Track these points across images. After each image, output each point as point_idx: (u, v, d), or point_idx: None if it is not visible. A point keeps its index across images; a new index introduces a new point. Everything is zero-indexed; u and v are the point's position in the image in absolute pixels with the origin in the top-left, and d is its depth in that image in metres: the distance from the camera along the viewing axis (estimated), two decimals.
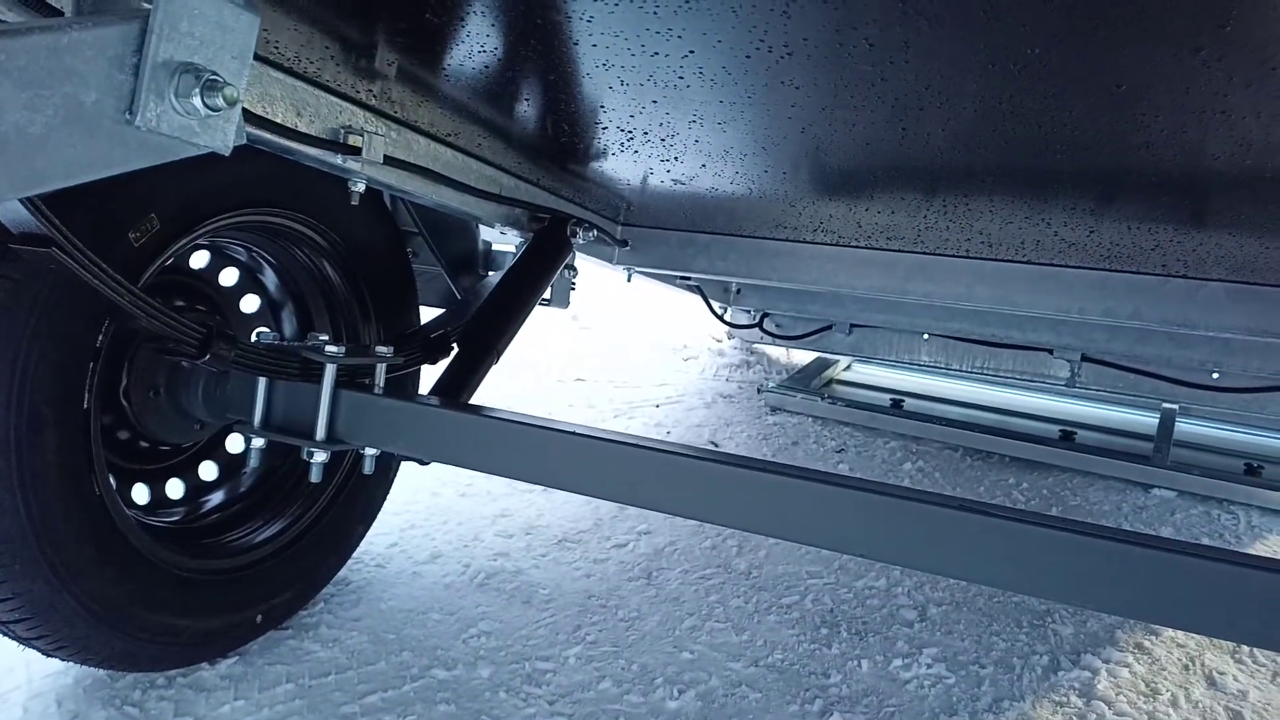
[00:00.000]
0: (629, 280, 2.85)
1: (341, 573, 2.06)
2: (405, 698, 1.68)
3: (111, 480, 1.51)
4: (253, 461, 1.64)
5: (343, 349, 1.55)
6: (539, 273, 2.06)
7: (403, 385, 1.90)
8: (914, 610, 2.19)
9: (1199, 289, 2.11)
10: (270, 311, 1.92)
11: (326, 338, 1.61)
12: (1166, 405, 3.48)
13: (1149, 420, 3.56)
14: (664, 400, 4.01)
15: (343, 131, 1.45)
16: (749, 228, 2.51)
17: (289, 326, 1.92)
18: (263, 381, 1.58)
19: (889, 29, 1.05)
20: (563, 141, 1.83)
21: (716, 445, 3.48)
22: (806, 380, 4.06)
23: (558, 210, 2.15)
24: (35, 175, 0.79)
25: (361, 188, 1.55)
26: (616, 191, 2.33)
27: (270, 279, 1.90)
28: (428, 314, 2.08)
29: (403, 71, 1.52)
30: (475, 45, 1.31)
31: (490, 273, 2.29)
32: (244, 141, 1.01)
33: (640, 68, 1.25)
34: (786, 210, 2.26)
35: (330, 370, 1.53)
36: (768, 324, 4.17)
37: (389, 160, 1.55)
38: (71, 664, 1.58)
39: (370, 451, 1.62)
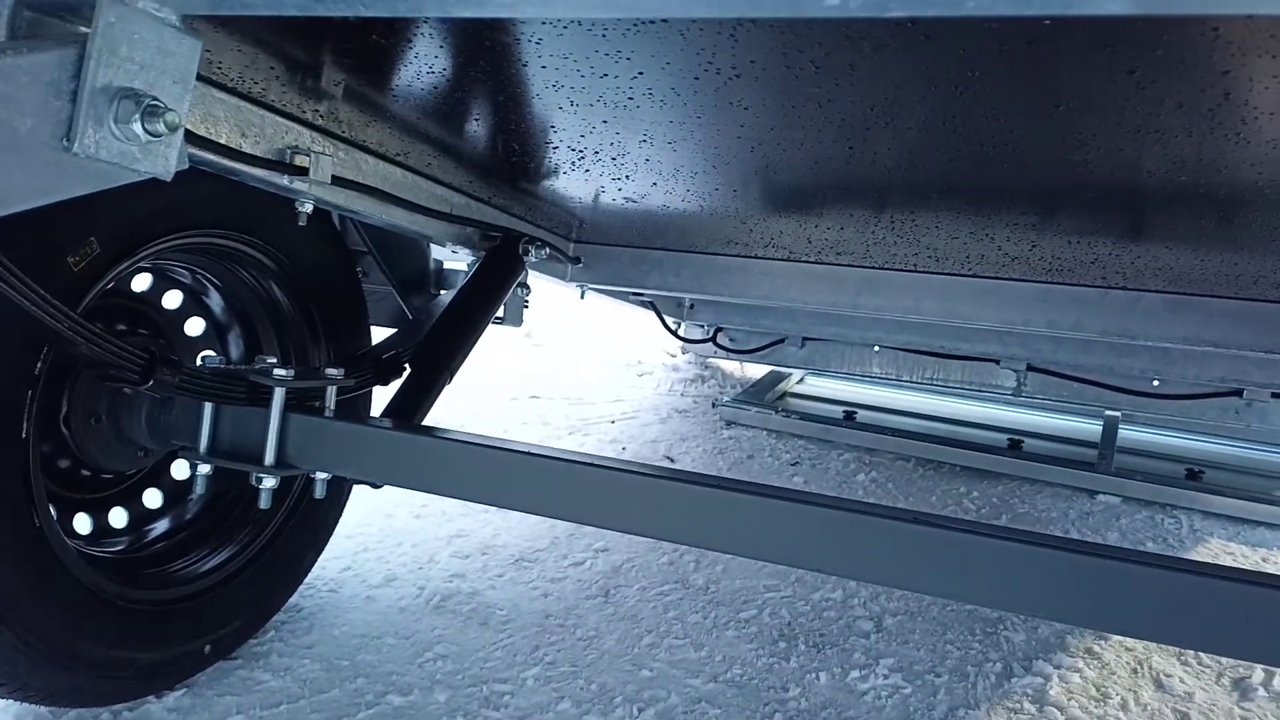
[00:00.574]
0: (582, 297, 2.85)
1: (293, 599, 2.02)
2: None
3: (52, 510, 1.47)
4: (199, 488, 1.60)
5: (291, 371, 1.52)
6: (491, 291, 2.05)
7: (355, 407, 1.88)
8: (870, 621, 2.21)
9: (1138, 300, 2.17)
10: (216, 334, 1.88)
11: (274, 360, 1.58)
12: (1110, 413, 3.57)
13: (1093, 428, 3.65)
14: (619, 416, 4.00)
15: (289, 152, 1.43)
16: (701, 244, 2.53)
17: (236, 349, 1.89)
18: (208, 406, 1.54)
19: (833, 53, 1.07)
20: (514, 160, 1.83)
21: (673, 460, 3.49)
22: (760, 394, 4.09)
23: (509, 228, 2.14)
24: None
25: (309, 208, 1.53)
26: (569, 209, 2.33)
27: (216, 301, 1.86)
28: (380, 334, 2.06)
29: (350, 91, 1.50)
30: (424, 66, 1.31)
31: (442, 292, 2.27)
32: (186, 165, 0.99)
33: (590, 88, 1.26)
34: (738, 226, 2.28)
35: (279, 393, 1.51)
36: (721, 338, 4.19)
37: (337, 180, 1.53)
38: (11, 701, 1.53)
39: (321, 476, 1.59)
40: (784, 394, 4.19)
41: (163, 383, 1.41)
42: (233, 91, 1.33)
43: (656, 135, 1.44)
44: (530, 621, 2.11)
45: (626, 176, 1.76)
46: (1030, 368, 3.50)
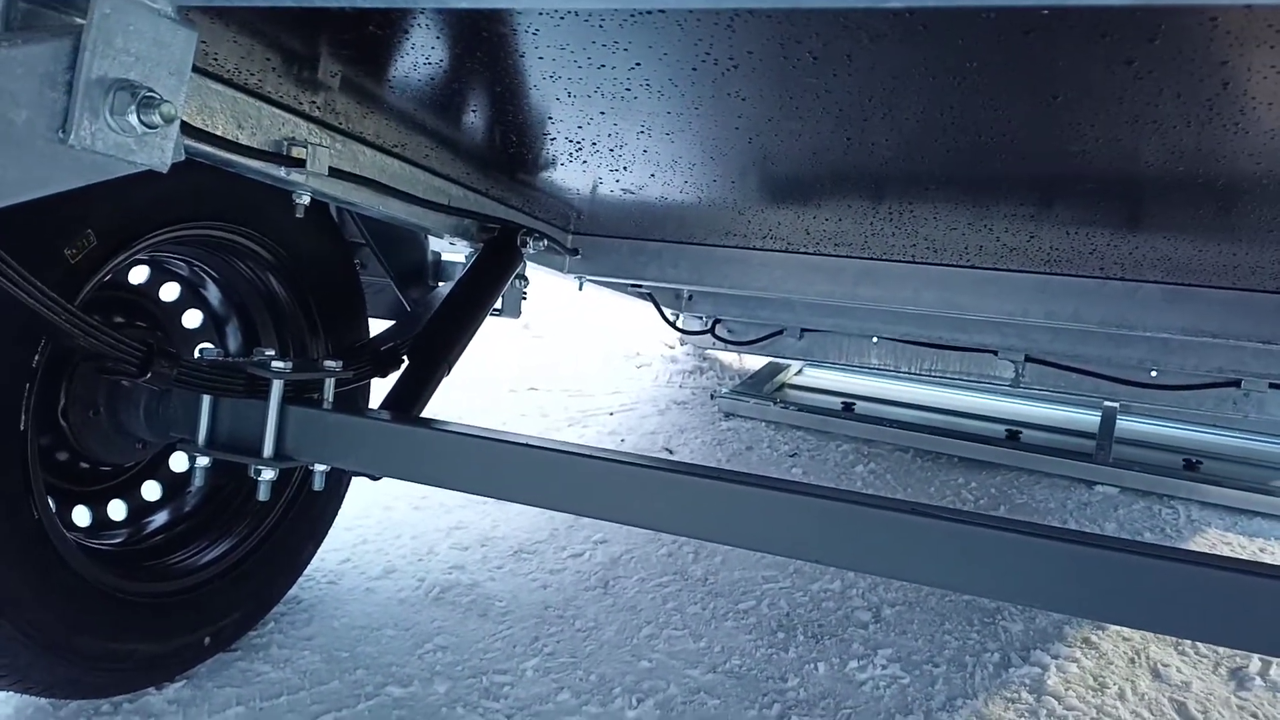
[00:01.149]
0: (580, 289, 2.85)
1: (292, 591, 2.03)
2: (359, 716, 1.65)
3: (50, 503, 1.47)
4: (197, 480, 1.60)
5: (289, 364, 1.52)
6: (489, 283, 2.05)
7: (353, 399, 1.88)
8: (869, 612, 2.22)
9: (1136, 290, 2.17)
10: (214, 327, 1.88)
11: (272, 352, 1.58)
12: (1108, 404, 3.58)
13: (1091, 419, 3.65)
14: (618, 408, 4.00)
15: (286, 143, 1.42)
16: (699, 235, 2.53)
17: (234, 342, 1.89)
18: (206, 399, 1.54)
19: (831, 43, 1.07)
20: (511, 152, 1.83)
21: (671, 452, 3.49)
22: (759, 385, 4.09)
23: (507, 220, 2.14)
24: None
25: (306, 200, 1.53)
26: (567, 200, 2.33)
27: (213, 294, 1.86)
28: (378, 326, 2.06)
29: (347, 83, 1.50)
30: (420, 57, 1.30)
31: (440, 284, 2.27)
32: (182, 157, 0.99)
33: (587, 79, 1.25)
34: (736, 218, 2.28)
35: (277, 386, 1.51)
36: (720, 330, 4.19)
37: (334, 172, 1.53)
38: (12, 693, 1.53)
39: (320, 468, 1.59)
40: (782, 385, 4.19)
41: (160, 375, 1.41)
42: (229, 83, 1.33)
43: (654, 126, 1.44)
44: (529, 613, 2.11)
45: (624, 168, 1.76)
46: (1028, 359, 3.50)
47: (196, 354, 1.75)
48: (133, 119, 0.87)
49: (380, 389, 1.82)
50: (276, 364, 1.51)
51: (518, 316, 2.37)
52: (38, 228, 1.31)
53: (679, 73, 1.17)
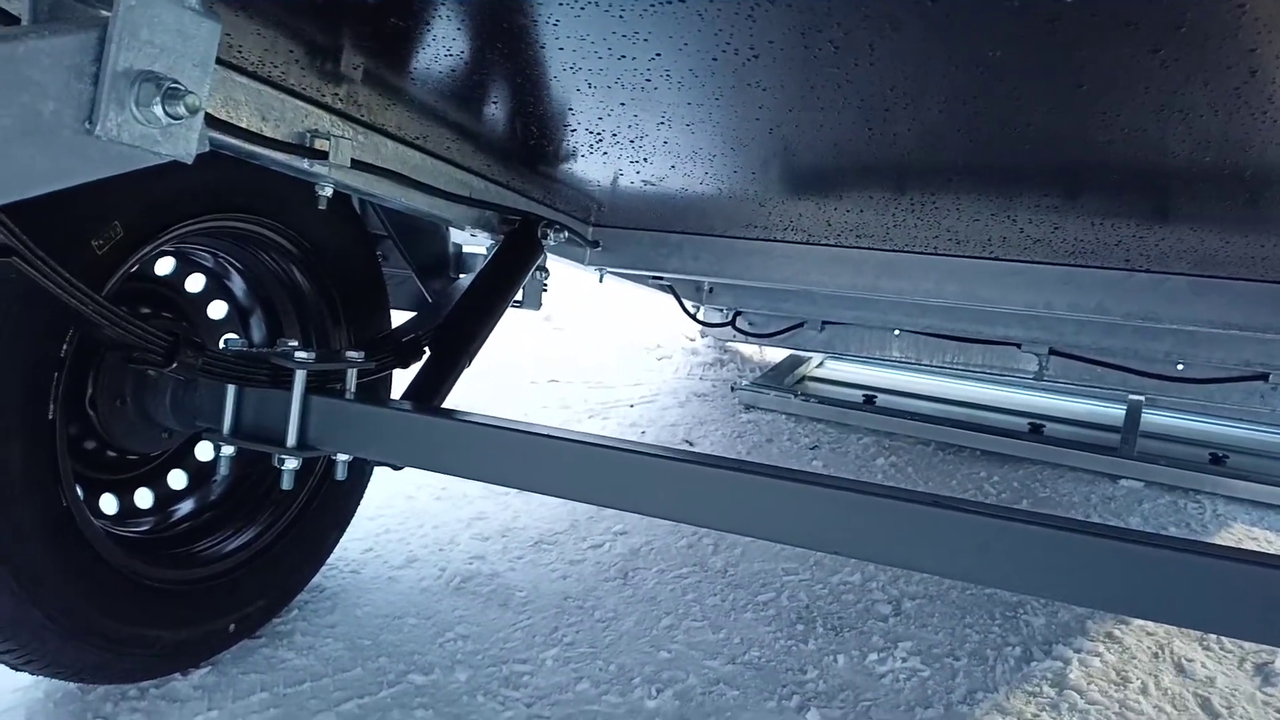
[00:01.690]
0: (601, 281, 2.85)
1: (316, 579, 2.05)
2: (382, 704, 1.67)
3: (79, 491, 1.49)
4: (222, 469, 1.62)
5: (313, 354, 1.54)
6: (510, 275, 2.06)
7: (375, 390, 1.89)
8: (889, 605, 2.21)
9: (1162, 283, 2.14)
10: (238, 318, 1.90)
11: (296, 343, 1.60)
12: (1133, 397, 3.54)
13: (1116, 412, 3.61)
14: (638, 400, 4.01)
15: (309, 135, 1.44)
16: (720, 227, 2.52)
17: (258, 332, 1.91)
18: (231, 389, 1.56)
19: (852, 32, 1.06)
20: (532, 144, 1.83)
21: (691, 444, 3.49)
22: (779, 378, 4.08)
23: (528, 212, 2.15)
24: None
25: (329, 192, 1.54)
26: (587, 192, 2.33)
27: (238, 285, 1.88)
28: (400, 318, 2.07)
29: (369, 75, 1.51)
30: (441, 49, 1.31)
31: (461, 275, 2.28)
32: (207, 149, 1.00)
33: (608, 70, 1.25)
34: (757, 209, 2.27)
35: (300, 376, 1.52)
36: (740, 322, 4.19)
37: (356, 164, 1.54)
38: (41, 678, 1.56)
39: (342, 457, 1.60)
40: (803, 378, 4.17)
41: (186, 365, 1.43)
42: (253, 75, 1.34)
43: (675, 117, 1.44)
44: (550, 603, 2.12)
45: (645, 159, 1.76)
46: (1052, 352, 3.48)
47: (221, 344, 1.77)
48: (158, 110, 0.88)
49: (402, 380, 1.84)
50: (300, 354, 1.52)
51: (538, 308, 2.38)
52: (66, 220, 1.32)
53: (699, 63, 1.17)
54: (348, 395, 1.59)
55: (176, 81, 0.89)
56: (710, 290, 3.93)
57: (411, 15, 1.21)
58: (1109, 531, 1.20)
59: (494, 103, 1.59)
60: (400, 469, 1.64)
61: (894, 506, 1.26)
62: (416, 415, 1.50)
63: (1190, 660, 2.00)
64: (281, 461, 1.53)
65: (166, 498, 1.82)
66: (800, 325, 3.98)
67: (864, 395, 3.87)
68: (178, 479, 1.84)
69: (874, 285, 2.46)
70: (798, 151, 1.66)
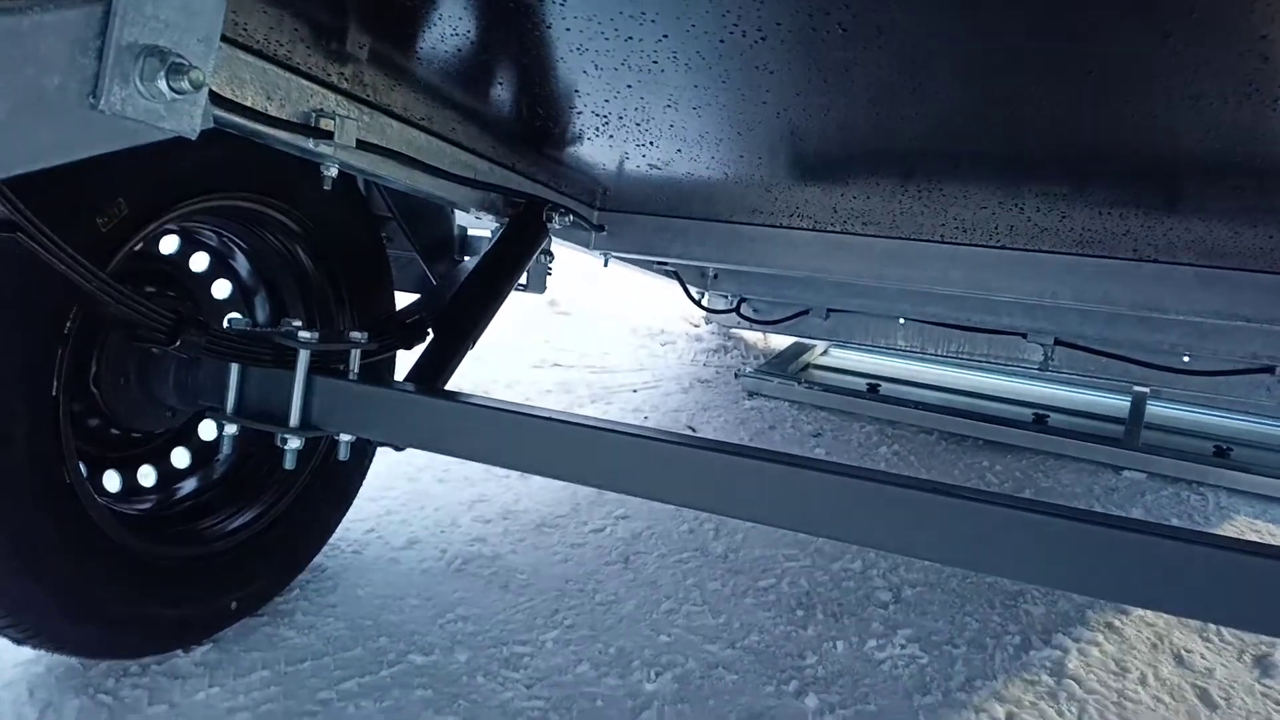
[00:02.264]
0: (605, 265, 2.85)
1: (318, 559, 2.06)
2: (382, 683, 1.68)
3: (82, 468, 1.49)
4: (225, 448, 1.63)
5: (316, 334, 1.54)
6: (514, 258, 2.06)
7: (378, 371, 1.89)
8: (889, 592, 2.22)
9: (1170, 273, 2.13)
10: (242, 297, 1.90)
11: (300, 323, 1.60)
12: (1138, 388, 3.53)
13: (1121, 403, 3.61)
14: (641, 385, 4.01)
15: (314, 115, 1.43)
16: (726, 213, 2.51)
17: (262, 312, 1.91)
18: (235, 368, 1.56)
19: (862, 15, 1.05)
20: (538, 126, 1.83)
21: (694, 430, 3.49)
22: (783, 365, 4.08)
23: (533, 195, 2.14)
24: None
25: (334, 172, 1.53)
26: (593, 176, 2.32)
27: (242, 264, 1.88)
28: (404, 299, 2.07)
29: (375, 54, 1.50)
30: (448, 28, 1.30)
31: (466, 258, 2.28)
32: (211, 125, 1.00)
33: (615, 52, 1.25)
34: (763, 195, 2.26)
35: (304, 356, 1.52)
36: (745, 309, 4.18)
37: (362, 144, 1.53)
38: (43, 653, 1.57)
39: (345, 437, 1.61)
40: (807, 365, 4.17)
41: (190, 344, 1.43)
42: (258, 54, 1.33)
43: (681, 100, 1.43)
44: (550, 585, 2.13)
45: (651, 143, 1.75)
46: (1058, 342, 3.47)
47: (225, 324, 1.77)
48: (162, 85, 0.87)
49: (407, 361, 1.84)
50: (303, 334, 1.52)
51: (542, 292, 2.38)
52: (70, 195, 1.32)
53: (707, 45, 1.16)
54: (351, 376, 1.59)
55: (181, 56, 0.89)
56: (715, 276, 3.92)
57: None
58: (1109, 520, 1.20)
59: (500, 84, 1.58)
60: (402, 450, 1.64)
61: (894, 493, 1.26)
62: (419, 397, 1.50)
63: (1189, 651, 2.00)
64: (284, 441, 1.53)
65: (169, 475, 1.83)
66: (805, 313, 3.97)
67: (868, 384, 3.87)
68: (181, 457, 1.85)
69: (879, 273, 2.45)
70: (804, 136, 1.65)
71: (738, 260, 2.64)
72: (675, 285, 3.77)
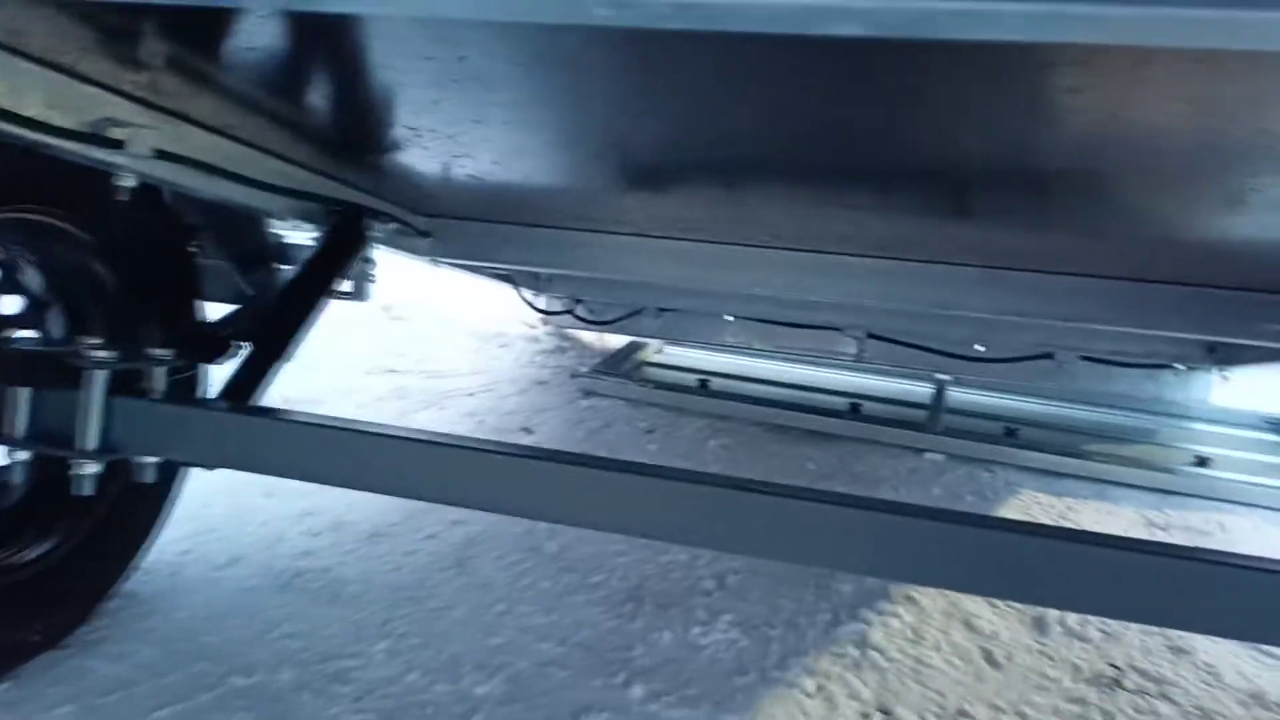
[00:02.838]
0: (435, 271, 2.83)
1: (131, 585, 1.97)
2: (201, 708, 1.63)
3: None
4: (18, 475, 1.54)
5: (112, 352, 1.48)
6: (333, 267, 2.03)
7: (188, 388, 1.83)
8: (713, 580, 2.32)
9: (957, 274, 2.33)
10: (35, 313, 1.79)
11: (97, 340, 1.53)
12: (939, 377, 3.82)
13: (926, 391, 3.89)
14: (478, 389, 4.00)
15: (104, 124, 1.37)
16: (552, 219, 2.55)
17: (57, 329, 1.80)
18: (25, 390, 1.48)
19: (669, 42, 1.11)
20: (350, 136, 1.81)
21: (530, 431, 3.52)
22: (618, 364, 4.17)
23: (352, 203, 2.12)
24: None
25: (131, 183, 1.47)
26: (415, 184, 2.31)
27: (34, 279, 1.77)
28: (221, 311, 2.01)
29: (173, 61, 1.45)
30: (245, 41, 1.28)
31: (282, 267, 2.22)
32: None
33: (416, 70, 1.27)
34: (586, 203, 2.32)
35: (99, 375, 1.46)
36: (580, 310, 4.24)
37: (161, 154, 1.48)
38: None
39: (150, 459, 1.55)
40: (641, 364, 4.28)
41: None
42: (41, 61, 1.27)
43: (490, 117, 1.46)
44: (381, 595, 2.12)
45: (467, 155, 1.77)
46: (870, 335, 3.71)
47: (11, 341, 1.67)
48: None
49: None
50: (97, 352, 1.46)
51: (366, 300, 2.34)
52: None
53: (507, 67, 1.20)
54: (155, 394, 1.54)
55: None
56: (549, 279, 3.95)
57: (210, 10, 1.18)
58: (901, 509, 1.32)
59: (308, 94, 1.56)
60: (213, 469, 1.60)
61: (708, 493, 1.34)
62: (229, 414, 1.48)
63: (978, 618, 2.21)
64: (80, 466, 1.46)
65: None
66: (638, 312, 4.07)
67: (699, 380, 4.01)
68: None
69: (703, 276, 2.56)
70: (617, 150, 1.72)
71: (565, 265, 2.69)
72: (510, 290, 3.79)
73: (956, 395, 3.86)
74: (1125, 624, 2.20)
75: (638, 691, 1.81)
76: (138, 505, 1.88)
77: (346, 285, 2.19)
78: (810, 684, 1.88)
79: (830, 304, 3.41)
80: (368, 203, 2.20)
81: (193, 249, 1.98)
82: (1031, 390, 3.83)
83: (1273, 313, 2.16)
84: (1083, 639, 2.13)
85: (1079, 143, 1.33)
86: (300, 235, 2.25)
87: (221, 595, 2.04)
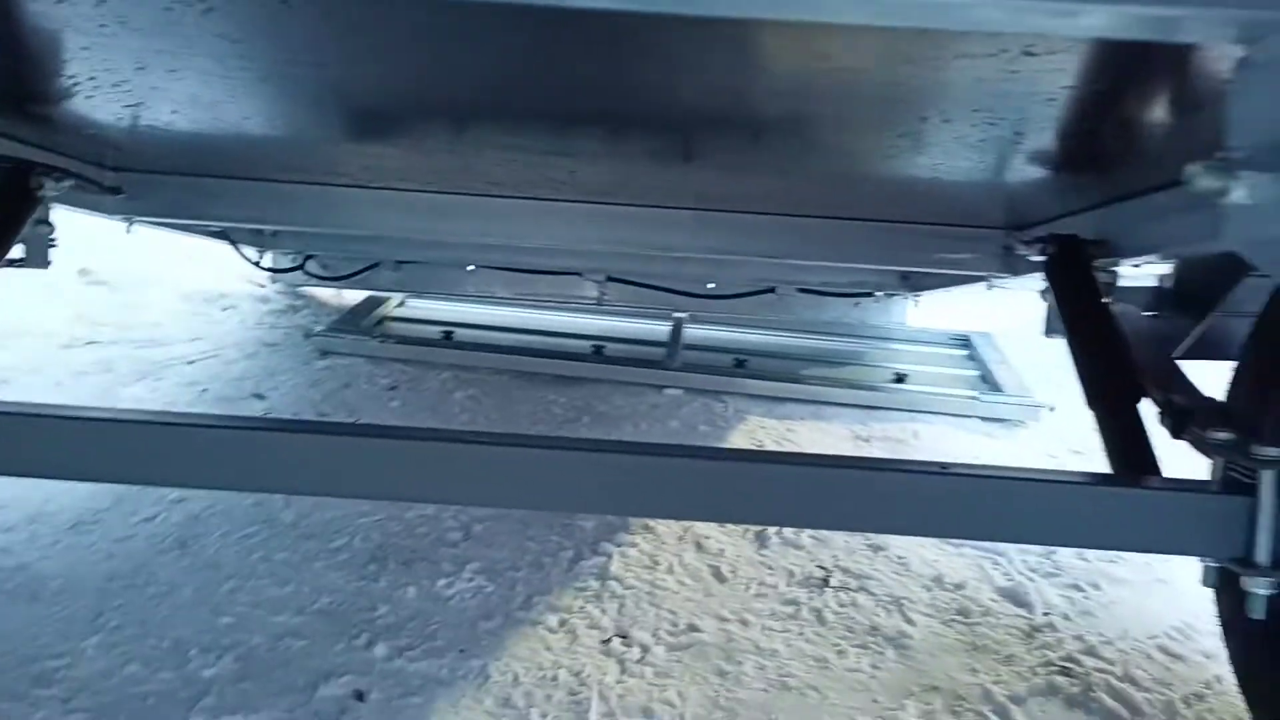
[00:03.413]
0: (129, 231, 2.59)
1: None
2: None
3: None
4: None
5: None
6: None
7: None
8: (459, 531, 2.34)
9: (672, 216, 2.45)
10: None
11: None
12: (676, 315, 4.01)
13: (665, 329, 4.07)
14: (198, 356, 3.72)
15: None
16: (264, 171, 2.40)
17: None
18: None
19: None
20: (6, 84, 1.60)
21: (263, 397, 3.34)
22: (357, 320, 4.02)
23: (17, 158, 1.88)
24: None
25: None
26: (94, 136, 2.09)
27: None
28: None
29: None
30: None
31: None
32: None
33: (55, 14, 1.14)
34: (301, 154, 2.20)
35: None
36: (312, 266, 4.04)
37: None
38: None
39: None
40: (382, 319, 4.16)
41: None
42: None
43: (152, 63, 1.34)
44: (91, 587, 1.96)
45: (140, 103, 1.62)
46: (610, 278, 3.83)
47: None
48: None
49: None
50: None
51: (46, 266, 2.10)
52: None
53: (154, 13, 1.11)
54: None
55: None
56: (275, 235, 3.73)
57: None
58: (629, 448, 1.39)
59: None
60: None
61: (443, 449, 1.34)
62: None
63: (707, 539, 2.37)
64: None
65: None
66: (375, 266, 3.94)
67: (443, 331, 3.96)
68: None
69: (427, 227, 2.52)
70: (323, 99, 1.64)
71: (282, 220, 2.56)
72: (228, 248, 3.54)
73: (693, 332, 4.06)
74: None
75: (381, 650, 1.80)
76: None
77: (18, 251, 1.96)
78: (553, 619, 1.95)
79: (567, 250, 3.48)
80: (36, 157, 1.97)
81: None
82: (758, 323, 4.10)
83: (948, 244, 2.45)
84: (797, 547, 2.35)
85: (780, 91, 1.43)
86: None
87: None
